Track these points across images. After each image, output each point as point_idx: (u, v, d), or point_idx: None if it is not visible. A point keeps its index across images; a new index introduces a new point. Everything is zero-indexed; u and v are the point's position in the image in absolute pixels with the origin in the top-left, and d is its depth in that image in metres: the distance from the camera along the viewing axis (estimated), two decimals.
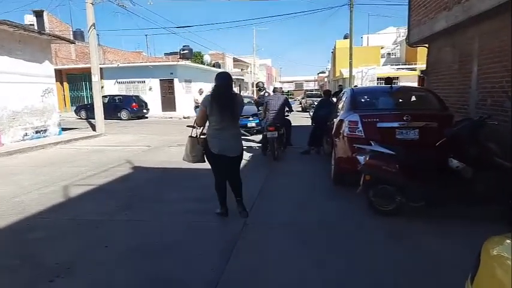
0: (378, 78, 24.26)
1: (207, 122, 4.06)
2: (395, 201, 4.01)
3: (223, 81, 4.05)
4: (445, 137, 4.19)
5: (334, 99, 8.78)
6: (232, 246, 3.43)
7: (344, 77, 26.79)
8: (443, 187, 3.90)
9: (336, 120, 5.90)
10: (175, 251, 3.38)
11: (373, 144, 4.23)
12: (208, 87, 16.67)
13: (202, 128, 4.18)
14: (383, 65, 30.89)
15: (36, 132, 11.23)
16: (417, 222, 3.95)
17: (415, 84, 16.16)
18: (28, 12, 28.10)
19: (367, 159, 4.09)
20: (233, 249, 3.39)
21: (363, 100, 5.86)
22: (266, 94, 10.29)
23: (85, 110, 20.28)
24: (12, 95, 10.30)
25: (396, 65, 28.42)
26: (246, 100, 15.59)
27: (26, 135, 10.82)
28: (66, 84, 25.67)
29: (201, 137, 4.16)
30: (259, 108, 10.12)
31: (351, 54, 20.44)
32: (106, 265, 3.12)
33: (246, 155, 8.40)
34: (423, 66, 23.65)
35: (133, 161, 7.89)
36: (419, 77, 22.82)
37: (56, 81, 24.87)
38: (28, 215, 4.36)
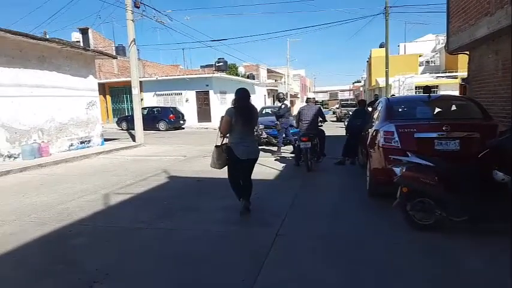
0: (416, 87, 23.50)
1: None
2: (434, 215, 3.84)
3: (245, 95, 4.68)
4: (488, 148, 3.99)
5: (370, 109, 8.61)
6: (264, 257, 3.42)
7: (380, 86, 26.20)
8: (487, 201, 3.69)
9: (371, 131, 5.78)
10: (208, 260, 3.42)
11: (410, 155, 4.10)
12: None
13: (224, 136, 4.70)
14: (421, 74, 29.90)
15: (81, 142, 11.87)
16: (458, 238, 3.76)
17: (456, 93, 15.50)
18: (75, 29, 30.06)
19: (404, 170, 3.97)
20: (265, 260, 3.38)
21: (399, 110, 5.71)
22: (282, 106, 10.17)
23: (126, 121, 21.17)
24: (60, 107, 11.00)
25: (436, 73, 27.39)
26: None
27: (72, 145, 11.46)
28: (108, 97, 27.01)
29: (223, 144, 4.70)
30: (279, 120, 10.16)
31: (387, 63, 19.99)
32: (142, 272, 3.22)
33: (279, 165, 8.41)
34: (464, 74, 22.65)
35: (169, 170, 8.12)
36: (460, 85, 21.88)
37: (100, 94, 26.18)
38: (71, 221, 4.60)
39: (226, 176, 4.95)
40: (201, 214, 4.88)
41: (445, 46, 10.67)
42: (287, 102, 10.34)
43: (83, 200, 5.67)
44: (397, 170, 4.04)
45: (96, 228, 4.39)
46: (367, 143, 5.71)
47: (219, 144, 4.76)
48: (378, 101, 7.03)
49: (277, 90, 42.54)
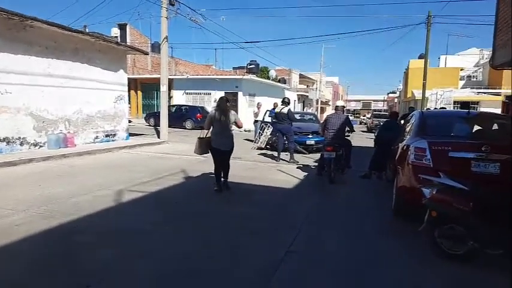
0: (454, 102, 22.34)
1: (211, 127, 6.06)
2: (466, 245, 3.40)
3: (221, 102, 6.12)
4: None
5: (402, 122, 8.10)
6: (270, 275, 3.12)
7: (416, 98, 25.15)
8: None
9: (401, 145, 5.34)
10: (210, 273, 3.16)
11: (442, 176, 3.67)
12: (270, 102, 16.63)
13: (208, 131, 6.12)
14: (461, 88, 28.52)
15: (106, 136, 11.99)
16: (491, 273, 3.31)
17: (499, 111, 14.53)
18: (114, 25, 30.90)
19: (434, 192, 3.54)
20: (271, 278, 3.08)
21: (433, 125, 5.23)
22: (284, 110, 9.69)
23: (154, 117, 21.39)
24: (88, 100, 11.14)
25: (477, 88, 25.96)
26: (307, 117, 15.32)
27: (97, 138, 11.59)
28: (140, 93, 27.50)
29: (207, 137, 6.10)
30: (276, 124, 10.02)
31: (425, 75, 19.10)
32: (139, 281, 3.00)
33: (300, 174, 8.05)
34: (509, 91, 21.31)
35: (188, 170, 7.96)
36: (503, 103, 20.61)
37: (131, 89, 26.91)
38: (79, 216, 4.47)
39: (242, 181, 6.44)
40: (211, 220, 4.64)
41: (489, 60, 9.94)
42: (289, 107, 9.93)
43: (95, 195, 5.57)
44: (427, 191, 3.62)
45: (101, 226, 4.23)
46: (396, 158, 5.28)
47: (202, 136, 6.16)
48: (411, 114, 6.55)
49: (307, 96, 42.09)
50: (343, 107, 8.11)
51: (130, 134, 13.86)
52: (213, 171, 6.42)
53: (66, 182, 6.41)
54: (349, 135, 8.13)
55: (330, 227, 4.58)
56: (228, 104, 6.20)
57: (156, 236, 3.97)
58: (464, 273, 3.33)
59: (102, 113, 11.83)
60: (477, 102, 22.71)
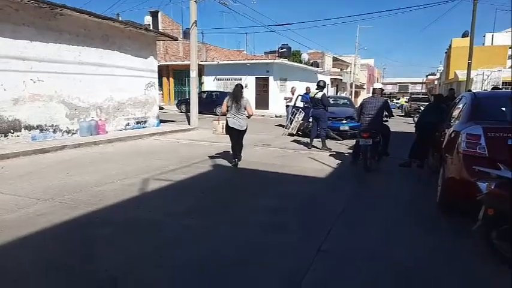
0: (503, 83, 20.61)
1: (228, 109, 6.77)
2: None
3: (236, 88, 6.91)
4: None
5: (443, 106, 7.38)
6: (299, 280, 2.79)
7: (460, 79, 23.52)
8: None
9: (448, 131, 4.78)
10: (232, 274, 2.88)
11: (502, 168, 3.14)
12: (302, 86, 16.06)
13: (225, 113, 6.82)
14: (510, 68, 26.33)
15: (137, 122, 12.03)
16: None
17: None
18: (147, 13, 31.10)
19: (492, 187, 3.04)
20: (300, 283, 2.75)
21: (488, 108, 4.61)
22: (319, 95, 9.13)
23: (185, 104, 21.42)
24: (119, 87, 11.17)
25: None
26: (341, 101, 14.62)
27: (128, 125, 11.65)
28: (172, 79, 27.66)
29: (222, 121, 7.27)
30: (312, 109, 9.54)
31: (470, 54, 17.68)
32: (155, 280, 2.78)
33: (334, 162, 7.60)
34: None
35: (216, 158, 7.74)
36: None
37: (163, 76, 27.13)
38: (101, 207, 4.34)
39: (271, 169, 6.73)
40: (237, 213, 4.35)
41: None
42: (324, 92, 9.30)
43: (121, 183, 5.45)
44: (483, 185, 3.11)
45: (123, 217, 4.07)
46: (443, 145, 4.72)
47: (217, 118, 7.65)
48: (459, 97, 5.88)
49: (341, 79, 40.74)
50: (381, 89, 7.49)
51: (162, 121, 13.87)
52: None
53: (94, 169, 6.36)
54: (387, 121, 7.55)
55: (366, 222, 4.16)
56: (242, 90, 6.95)
57: (178, 231, 3.73)
58: None
59: (132, 100, 11.85)
60: None
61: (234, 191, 5.37)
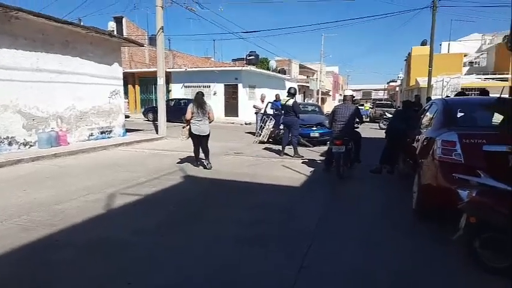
0: (462, 89, 21.65)
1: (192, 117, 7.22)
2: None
3: (198, 96, 7.40)
4: None
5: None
6: None
7: (421, 86, 24.48)
8: None
9: (421, 138, 4.80)
10: None
11: (482, 175, 3.13)
12: (271, 94, 16.04)
13: (189, 120, 7.25)
14: (465, 75, 27.78)
15: (102, 132, 11.46)
16: None
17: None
18: (110, 19, 30.13)
19: (474, 195, 3.01)
20: None
21: (459, 114, 4.68)
22: (290, 102, 9.04)
23: (152, 112, 20.81)
24: (81, 95, 10.59)
25: (482, 74, 25.22)
26: (310, 108, 14.71)
27: (92, 135, 11.06)
28: (137, 87, 26.87)
29: (188, 126, 7.35)
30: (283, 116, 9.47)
31: (430, 61, 18.44)
32: None
33: (307, 170, 7.53)
34: None
35: (186, 168, 7.45)
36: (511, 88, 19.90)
37: (129, 83, 26.30)
38: (62, 227, 3.96)
39: (244, 179, 6.59)
40: (210, 227, 4.12)
41: (507, 42, 9.32)
42: (294, 99, 9.25)
43: (84, 199, 5.06)
44: (464, 193, 3.09)
45: (86, 238, 3.72)
46: (417, 152, 4.73)
47: (184, 126, 7.47)
48: (429, 103, 5.98)
49: (308, 86, 41.38)
50: (352, 96, 7.55)
51: (128, 130, 13.34)
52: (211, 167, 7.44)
53: (55, 185, 5.90)
54: (357, 127, 7.59)
55: (345, 233, 4.04)
56: (203, 97, 7.46)
57: (146, 251, 3.44)
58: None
59: (96, 108, 11.28)
60: (480, 89, 21.99)
61: (206, 204, 5.12)
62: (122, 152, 9.80)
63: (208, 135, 7.42)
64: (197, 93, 7.50)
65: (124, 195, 5.33)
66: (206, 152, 7.45)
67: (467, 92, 21.59)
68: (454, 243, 3.24)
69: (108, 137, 11.64)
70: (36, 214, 4.37)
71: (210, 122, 7.42)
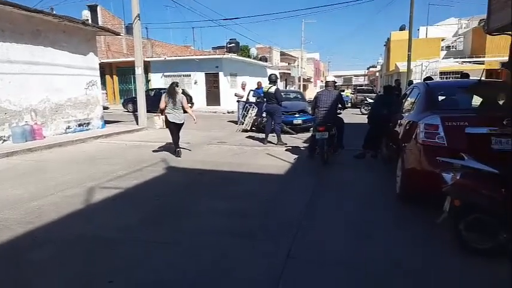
0: (440, 73, 21.99)
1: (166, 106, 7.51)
2: (497, 238, 2.91)
3: (170, 87, 7.66)
4: None
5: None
6: None
7: (400, 71, 24.75)
8: None
9: (403, 122, 4.81)
10: None
11: (466, 158, 3.14)
12: (253, 81, 15.86)
13: (163, 109, 7.57)
14: (443, 59, 28.24)
15: (79, 125, 11.11)
16: None
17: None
18: (84, 7, 29.07)
19: (458, 178, 3.02)
20: None
21: (441, 98, 4.69)
22: (271, 89, 8.98)
23: (132, 103, 20.33)
24: (56, 87, 10.19)
25: (461, 58, 25.67)
26: (292, 95, 14.65)
27: (69, 128, 10.71)
28: (115, 77, 26.19)
29: (163, 114, 7.64)
30: (266, 103, 9.37)
31: (409, 46, 18.57)
32: None
33: (291, 157, 7.50)
34: (494, 59, 21.04)
35: (169, 159, 7.30)
36: (487, 71, 20.37)
37: (106, 74, 25.62)
38: (39, 225, 3.80)
39: (229, 168, 6.58)
40: (196, 219, 4.03)
41: (484, 25, 9.47)
42: (276, 86, 9.16)
43: (62, 194, 4.87)
44: (448, 176, 3.09)
45: (65, 236, 3.57)
46: (400, 136, 4.74)
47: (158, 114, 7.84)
48: (411, 87, 5.99)
49: (289, 73, 41.29)
50: (334, 82, 7.51)
51: (107, 122, 12.99)
52: (194, 157, 7.56)
53: (30, 180, 5.66)
54: (340, 113, 7.58)
55: (331, 220, 4.03)
56: (176, 88, 7.61)
57: (129, 247, 3.33)
58: (501, 269, 2.85)
59: (72, 100, 10.90)
60: (461, 72, 22.41)
61: (190, 195, 5.01)
62: (100, 145, 9.53)
63: (183, 123, 7.70)
64: (171, 83, 7.79)
65: (104, 189, 5.17)
66: (177, 139, 7.75)
67: (446, 76, 22.04)
68: (438, 226, 3.26)
69: (87, 130, 11.29)
70: (10, 212, 4.17)
71: (184, 112, 7.64)
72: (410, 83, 12.21)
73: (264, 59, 33.26)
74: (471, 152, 3.28)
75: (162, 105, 7.56)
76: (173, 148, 7.77)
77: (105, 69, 25.11)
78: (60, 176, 5.95)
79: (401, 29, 35.14)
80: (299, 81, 44.67)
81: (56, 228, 3.77)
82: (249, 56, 32.13)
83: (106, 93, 24.38)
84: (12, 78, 8.93)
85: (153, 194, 5.02)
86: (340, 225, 3.86)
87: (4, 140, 8.66)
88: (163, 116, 7.59)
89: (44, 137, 9.46)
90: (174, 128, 7.60)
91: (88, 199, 4.71)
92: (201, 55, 26.40)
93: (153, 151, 8.27)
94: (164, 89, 21.55)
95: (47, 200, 4.63)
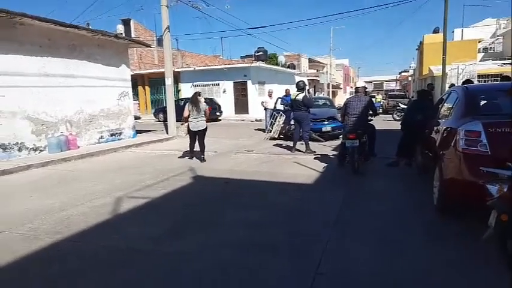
0: (478, 76, 20.92)
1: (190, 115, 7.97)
2: None
3: (193, 96, 8.14)
4: None
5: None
6: None
7: (435, 75, 23.80)
8: None
9: (441, 128, 4.51)
10: None
11: None
12: (281, 89, 15.74)
13: (187, 118, 7.99)
14: (481, 61, 26.92)
15: (111, 135, 11.41)
16: None
17: None
18: (118, 21, 30.18)
19: (505, 190, 2.74)
20: None
21: (482, 102, 4.37)
22: (299, 96, 8.76)
23: (163, 112, 20.73)
24: (90, 98, 10.54)
25: (500, 59, 24.33)
26: (321, 102, 14.38)
27: (102, 138, 11.02)
28: (147, 88, 26.91)
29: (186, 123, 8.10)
30: (293, 111, 9.14)
31: (444, 49, 17.84)
32: None
33: (319, 166, 7.28)
34: None
35: (196, 168, 7.29)
36: None
37: (139, 85, 26.39)
38: (67, 235, 3.83)
39: (256, 177, 6.55)
40: (223, 232, 3.92)
41: None
42: (306, 93, 8.93)
43: (91, 204, 4.94)
44: (494, 188, 2.82)
45: (91, 247, 3.57)
46: (438, 144, 4.45)
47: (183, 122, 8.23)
48: (447, 91, 5.66)
49: (318, 80, 40.90)
50: (365, 88, 7.26)
51: (139, 131, 13.30)
52: (222, 166, 7.54)
53: (62, 190, 5.80)
54: (371, 119, 7.29)
55: (363, 234, 3.79)
56: (199, 97, 8.12)
57: (155, 260, 3.26)
58: None
59: (105, 111, 11.23)
60: (501, 75, 21.24)
61: (217, 206, 4.93)
62: (131, 154, 9.72)
63: (205, 130, 8.13)
64: (194, 93, 8.28)
65: (132, 198, 5.20)
66: (202, 146, 8.17)
67: (485, 79, 20.96)
68: (483, 244, 2.97)
69: (118, 139, 11.58)
70: (40, 222, 4.25)
71: (207, 117, 8.16)
72: (452, 85, 11.64)
73: (292, 67, 33.15)
74: None
75: (186, 113, 8.01)
76: (197, 155, 8.28)
77: (138, 80, 25.88)
78: (90, 185, 6.06)
79: (435, 31, 33.89)
80: (328, 87, 44.13)
81: (84, 239, 3.78)
82: (277, 64, 32.11)
83: (138, 104, 25.11)
84: (48, 91, 9.30)
85: (180, 203, 4.99)
86: (372, 240, 3.62)
87: (41, 150, 9.01)
88: (187, 124, 8.05)
89: (78, 147, 9.77)
90: (194, 136, 8.13)
91: (116, 209, 4.74)
92: (229, 64, 26.66)
93: (179, 157, 8.73)
94: None
95: (76, 210, 4.70)
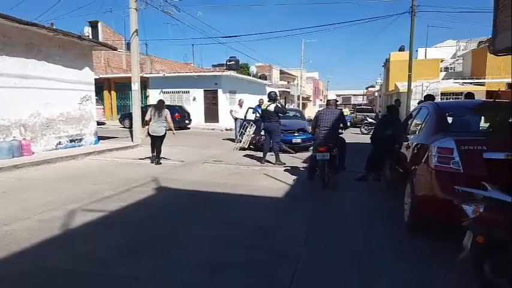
0: (441, 94, 21.81)
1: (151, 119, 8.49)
2: None
3: (159, 102, 8.83)
4: None
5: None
6: None
7: (400, 91, 24.62)
8: None
9: (411, 144, 4.46)
10: None
11: (489, 188, 2.76)
12: (252, 99, 15.62)
13: (148, 121, 8.50)
14: (442, 79, 28.19)
15: (71, 141, 10.74)
16: None
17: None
18: (86, 23, 29.08)
19: (481, 211, 2.64)
20: None
21: (453, 119, 4.36)
22: (270, 107, 8.67)
23: (129, 118, 19.90)
24: (48, 101, 9.87)
25: (461, 79, 25.60)
26: (291, 113, 14.33)
27: (60, 144, 10.33)
28: (114, 93, 25.97)
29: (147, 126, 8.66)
30: (264, 122, 9.13)
31: (410, 66, 18.48)
32: None
33: (289, 178, 7.11)
34: (494, 81, 20.88)
35: (160, 179, 6.89)
36: (489, 92, 20.19)
37: (105, 89, 25.44)
38: (5, 255, 3.37)
39: (223, 190, 6.23)
40: (184, 250, 3.61)
41: (489, 46, 9.24)
42: (276, 104, 8.79)
43: (39, 218, 4.46)
44: (470, 209, 2.71)
45: (35, 269, 3.14)
46: (409, 159, 4.38)
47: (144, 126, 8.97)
48: (417, 107, 5.67)
49: (289, 92, 41.26)
50: (336, 101, 7.19)
51: (102, 138, 12.66)
52: (188, 177, 6.87)
53: (9, 201, 5.25)
54: (342, 133, 7.23)
55: (334, 252, 3.60)
56: (163, 104, 8.72)
57: (101, 284, 2.90)
58: None
59: (65, 115, 10.57)
60: (461, 93, 22.27)
61: (180, 221, 4.59)
62: (92, 162, 9.14)
63: (163, 136, 8.61)
64: (159, 100, 9.02)
65: (87, 211, 4.75)
66: (158, 150, 8.65)
67: (447, 97, 21.88)
68: (459, 264, 2.85)
69: (79, 146, 10.91)
70: None
71: (168, 123, 8.61)
72: (397, 103, 11.99)
73: (264, 77, 33.21)
74: (490, 180, 2.91)
75: (147, 117, 8.58)
76: (153, 158, 8.72)
77: (104, 85, 24.94)
78: (41, 196, 5.53)
79: (401, 49, 35.29)
80: (298, 99, 44.62)
81: (26, 259, 3.33)
82: (248, 74, 32.08)
83: (103, 109, 24.10)
84: (1, 92, 8.61)
85: (139, 218, 4.61)
86: (344, 258, 3.43)
87: None
88: (147, 127, 8.60)
89: (33, 153, 9.06)
90: (154, 140, 8.61)
91: (66, 224, 4.29)
92: (200, 72, 26.31)
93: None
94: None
95: (21, 225, 4.21)
